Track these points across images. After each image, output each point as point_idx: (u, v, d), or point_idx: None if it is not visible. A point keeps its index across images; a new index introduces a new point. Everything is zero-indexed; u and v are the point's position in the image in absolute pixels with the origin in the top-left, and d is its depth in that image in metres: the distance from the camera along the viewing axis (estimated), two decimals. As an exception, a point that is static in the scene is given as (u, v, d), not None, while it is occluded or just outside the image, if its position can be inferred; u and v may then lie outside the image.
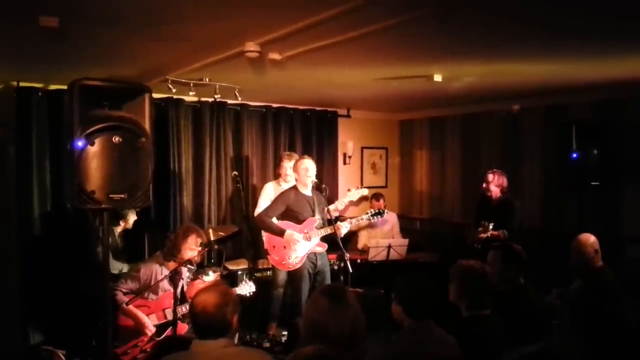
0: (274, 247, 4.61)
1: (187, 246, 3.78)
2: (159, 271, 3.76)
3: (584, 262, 3.55)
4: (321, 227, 4.59)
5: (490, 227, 4.68)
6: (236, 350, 2.24)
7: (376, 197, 6.32)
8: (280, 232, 4.48)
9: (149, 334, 3.67)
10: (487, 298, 2.77)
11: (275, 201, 4.67)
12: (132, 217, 4.80)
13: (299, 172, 4.61)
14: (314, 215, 4.60)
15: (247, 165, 6.08)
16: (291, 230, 4.48)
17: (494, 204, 4.97)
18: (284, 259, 4.56)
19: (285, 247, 4.53)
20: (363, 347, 2.15)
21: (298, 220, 4.58)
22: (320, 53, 3.43)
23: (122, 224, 4.77)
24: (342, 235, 4.55)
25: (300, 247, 4.50)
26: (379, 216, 4.89)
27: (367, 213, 4.86)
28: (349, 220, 4.72)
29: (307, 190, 4.64)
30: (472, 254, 3.88)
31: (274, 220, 4.62)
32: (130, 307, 3.62)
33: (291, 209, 4.58)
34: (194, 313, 2.21)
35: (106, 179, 2.72)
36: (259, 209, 5.15)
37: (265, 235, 4.89)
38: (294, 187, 4.70)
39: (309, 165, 4.57)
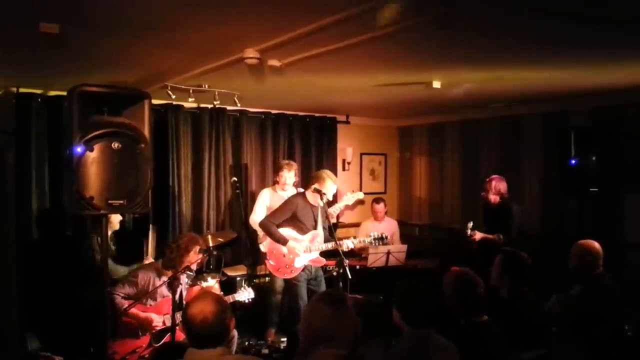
0: (273, 251, 4.60)
1: (189, 259, 3.77)
2: (156, 277, 3.75)
3: (585, 267, 3.54)
4: (324, 242, 4.52)
5: (470, 225, 4.94)
6: (232, 359, 2.23)
7: (377, 200, 6.31)
8: (283, 241, 4.46)
9: (157, 328, 3.67)
10: (479, 304, 2.76)
11: (281, 208, 4.59)
12: (114, 216, 4.49)
13: (326, 189, 4.45)
14: (316, 226, 4.58)
15: (246, 172, 6.08)
16: (293, 243, 4.45)
17: (493, 208, 5.02)
18: (280, 266, 4.55)
19: (284, 255, 4.52)
20: (362, 350, 2.15)
21: (300, 229, 4.56)
22: (319, 60, 3.43)
23: None
24: (347, 250, 4.51)
25: (299, 259, 4.48)
26: (380, 241, 4.73)
27: (370, 236, 4.70)
28: (352, 239, 4.63)
29: (315, 202, 4.58)
30: (472, 260, 3.88)
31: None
32: (131, 309, 3.61)
33: (296, 216, 4.53)
34: (194, 324, 2.16)
35: (105, 185, 2.72)
36: (254, 215, 5.17)
37: (266, 239, 4.85)
38: (303, 195, 4.62)
39: (331, 188, 4.47)
